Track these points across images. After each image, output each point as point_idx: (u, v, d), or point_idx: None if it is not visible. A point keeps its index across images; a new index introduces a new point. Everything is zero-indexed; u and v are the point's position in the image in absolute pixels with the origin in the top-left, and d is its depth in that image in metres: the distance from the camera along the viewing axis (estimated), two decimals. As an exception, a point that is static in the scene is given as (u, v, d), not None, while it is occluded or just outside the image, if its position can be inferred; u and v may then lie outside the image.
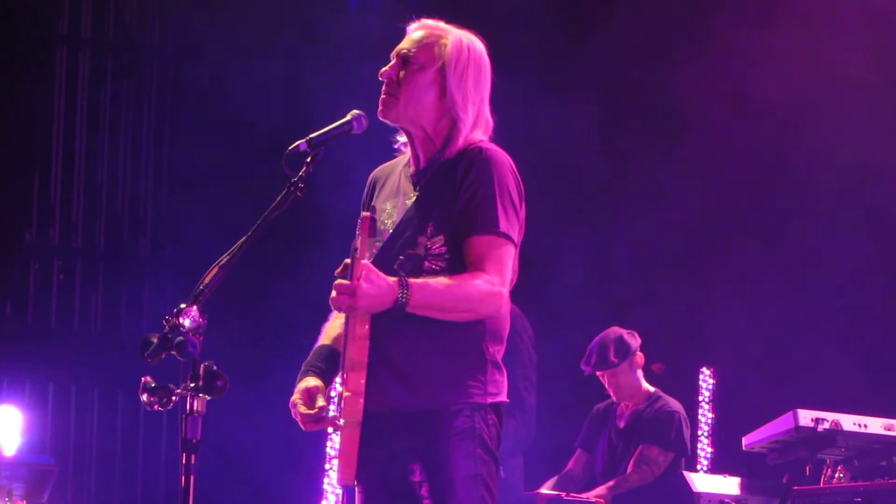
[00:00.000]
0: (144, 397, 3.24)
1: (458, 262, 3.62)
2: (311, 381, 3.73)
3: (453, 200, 3.67)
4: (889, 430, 5.92)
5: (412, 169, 3.81)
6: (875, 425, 5.93)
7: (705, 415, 7.96)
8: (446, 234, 3.66)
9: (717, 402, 7.99)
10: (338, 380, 3.74)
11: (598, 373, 6.83)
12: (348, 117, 3.73)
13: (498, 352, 3.72)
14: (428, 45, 3.77)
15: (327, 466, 8.19)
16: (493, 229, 3.62)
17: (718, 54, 7.80)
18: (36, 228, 9.07)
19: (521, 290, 3.82)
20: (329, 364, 3.79)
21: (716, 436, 7.90)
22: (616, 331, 6.85)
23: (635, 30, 8.08)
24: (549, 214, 7.27)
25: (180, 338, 3.21)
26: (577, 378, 7.39)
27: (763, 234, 7.94)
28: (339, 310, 3.57)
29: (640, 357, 6.85)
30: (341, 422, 3.57)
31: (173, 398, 3.24)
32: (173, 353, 3.22)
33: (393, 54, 3.80)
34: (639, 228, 8.16)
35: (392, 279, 3.51)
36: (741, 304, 7.89)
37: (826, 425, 5.86)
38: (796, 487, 5.81)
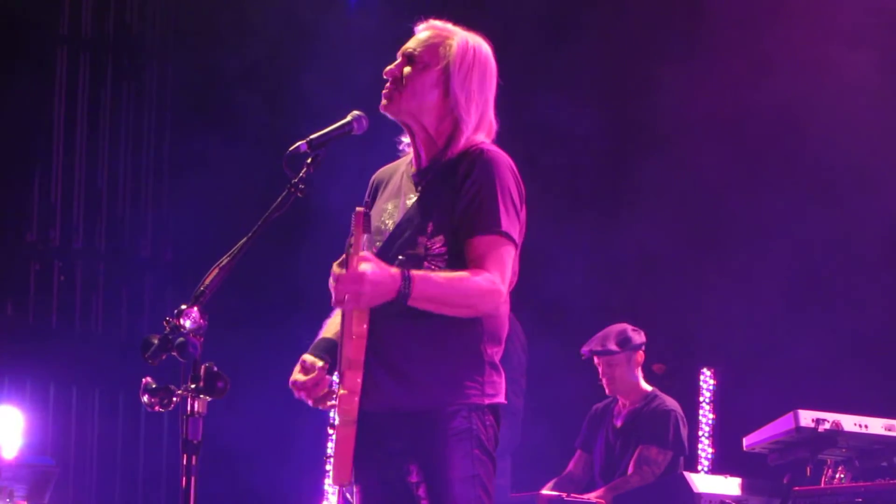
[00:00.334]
0: (145, 398, 3.24)
1: (458, 263, 3.63)
2: (308, 357, 3.74)
3: (454, 201, 3.67)
4: (890, 430, 5.92)
5: (414, 169, 3.82)
6: (876, 426, 5.93)
7: (706, 415, 7.95)
8: (446, 234, 3.66)
9: (718, 402, 7.98)
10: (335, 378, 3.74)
11: (595, 360, 6.85)
12: (348, 118, 3.74)
13: (496, 353, 3.72)
14: (433, 45, 3.78)
15: (328, 467, 8.20)
16: (494, 229, 3.63)
17: (718, 57, 7.81)
18: (36, 229, 9.07)
19: (521, 289, 3.82)
20: (331, 355, 3.79)
21: (716, 436, 7.89)
22: (622, 325, 6.89)
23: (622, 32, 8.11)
24: (549, 214, 7.27)
25: (181, 339, 3.21)
26: (577, 379, 7.40)
27: (764, 234, 7.94)
28: (342, 303, 3.56)
29: (640, 355, 6.86)
30: (337, 421, 3.57)
31: (174, 399, 3.24)
32: (174, 354, 3.22)
33: (399, 53, 3.81)
34: (639, 228, 8.16)
35: (394, 269, 3.52)
36: (742, 304, 7.88)
37: (827, 426, 5.86)
38: (797, 488, 5.81)
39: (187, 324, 3.23)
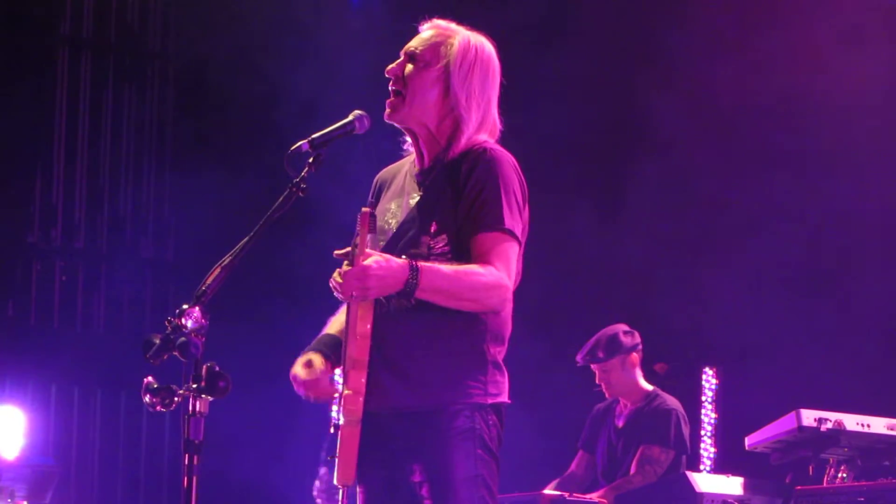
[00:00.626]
0: (147, 398, 3.24)
1: (461, 262, 3.63)
2: (313, 355, 3.74)
3: (457, 200, 3.67)
4: (892, 429, 5.92)
5: (417, 168, 3.82)
6: (878, 425, 5.92)
7: (708, 415, 7.95)
8: (449, 233, 3.66)
9: (720, 401, 7.98)
10: (339, 378, 3.74)
11: (591, 366, 6.87)
12: (350, 118, 3.74)
13: (499, 353, 3.72)
14: (435, 44, 3.78)
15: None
16: (498, 226, 3.63)
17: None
18: (38, 230, 9.08)
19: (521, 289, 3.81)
20: (333, 351, 3.79)
21: (719, 436, 7.89)
22: (615, 328, 6.87)
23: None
24: (548, 214, 7.26)
25: (182, 339, 3.21)
26: (577, 379, 7.39)
27: (766, 233, 7.93)
28: (348, 298, 3.56)
29: (635, 357, 6.85)
30: (341, 421, 3.57)
31: (175, 399, 3.24)
32: (175, 354, 3.22)
33: (401, 52, 3.81)
34: (641, 228, 8.16)
35: (402, 260, 3.52)
36: (744, 303, 7.88)
37: (829, 425, 5.85)
38: (799, 487, 5.80)
39: (189, 323, 3.23)
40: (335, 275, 3.58)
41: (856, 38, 7.31)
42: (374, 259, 3.50)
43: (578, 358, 6.89)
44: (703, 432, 7.88)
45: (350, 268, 3.52)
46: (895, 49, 7.29)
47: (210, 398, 3.24)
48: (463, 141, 3.73)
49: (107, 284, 9.24)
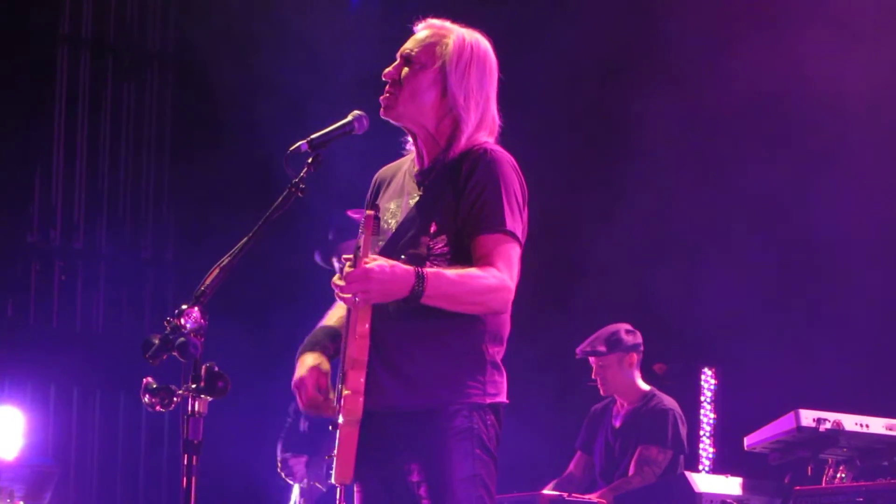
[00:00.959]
0: (146, 398, 3.24)
1: (460, 263, 3.63)
2: (323, 364, 3.74)
3: (457, 201, 3.67)
4: (891, 430, 5.92)
5: (416, 168, 3.82)
6: (877, 425, 5.92)
7: (707, 415, 7.95)
8: (449, 234, 3.66)
9: (719, 402, 7.98)
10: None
11: (589, 360, 6.87)
12: (349, 118, 3.74)
13: (497, 353, 3.72)
14: (430, 45, 3.78)
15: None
16: (499, 228, 3.64)
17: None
18: (37, 230, 9.07)
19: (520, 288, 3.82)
20: (334, 343, 3.79)
21: (717, 436, 7.89)
22: (618, 325, 6.89)
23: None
24: (548, 213, 7.26)
25: (182, 339, 3.21)
26: (576, 379, 7.40)
27: (765, 233, 7.94)
28: (351, 300, 3.56)
29: (634, 356, 6.86)
30: (340, 421, 3.58)
31: (175, 399, 3.24)
32: (175, 354, 3.22)
33: (397, 54, 3.81)
34: (639, 227, 8.16)
35: (408, 267, 3.52)
36: (743, 303, 7.88)
37: (828, 425, 5.85)
38: (798, 488, 5.80)
39: (188, 324, 3.23)
40: (336, 277, 3.58)
41: (854, 36, 7.31)
42: (378, 263, 3.50)
43: (578, 351, 6.91)
44: (701, 432, 7.88)
45: (352, 270, 3.53)
46: (892, 47, 7.29)
47: (209, 398, 3.25)
48: (463, 141, 3.73)
49: (106, 285, 9.24)
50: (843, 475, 5.97)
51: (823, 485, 5.95)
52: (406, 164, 3.89)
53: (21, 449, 7.52)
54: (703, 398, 7.99)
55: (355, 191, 4.10)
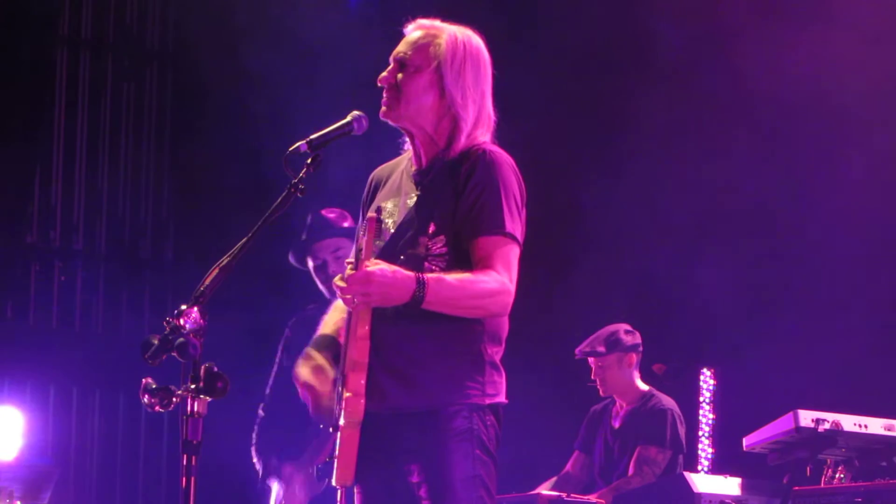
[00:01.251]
0: (145, 399, 3.24)
1: (459, 264, 3.63)
2: (325, 363, 3.74)
3: (456, 201, 3.68)
4: (890, 430, 5.92)
5: (414, 168, 3.82)
6: (875, 426, 5.92)
7: (706, 415, 7.95)
8: (448, 235, 3.66)
9: (718, 402, 7.98)
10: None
11: (589, 360, 6.88)
12: (348, 118, 3.74)
13: (496, 353, 3.72)
14: (423, 47, 3.77)
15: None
16: (499, 230, 3.64)
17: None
18: (37, 230, 9.07)
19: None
20: (330, 351, 3.79)
21: (716, 436, 7.89)
22: (617, 326, 6.90)
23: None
24: (546, 212, 7.27)
25: (181, 339, 3.21)
26: (574, 379, 7.40)
27: (763, 233, 7.94)
28: (352, 303, 3.57)
29: (633, 357, 6.86)
30: (342, 422, 3.58)
31: (174, 399, 3.24)
32: (174, 354, 3.22)
33: (391, 58, 3.81)
34: (637, 227, 8.16)
35: (409, 272, 3.52)
36: (741, 304, 7.88)
37: (826, 426, 5.85)
38: (797, 488, 5.80)
39: (187, 324, 3.23)
40: (337, 279, 3.59)
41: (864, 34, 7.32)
42: (380, 267, 3.51)
43: (577, 351, 6.92)
44: (700, 433, 7.88)
45: (354, 272, 3.53)
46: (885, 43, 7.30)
47: (208, 399, 3.25)
48: (462, 140, 3.73)
49: (105, 285, 9.24)
50: (842, 475, 5.97)
51: (822, 485, 5.95)
52: (403, 164, 3.89)
53: (20, 449, 7.51)
54: (701, 398, 8.00)
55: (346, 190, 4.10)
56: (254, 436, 6.09)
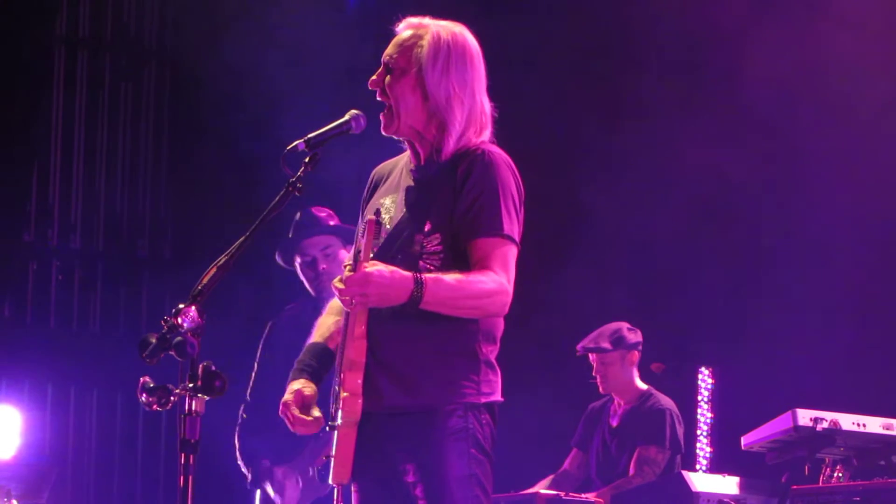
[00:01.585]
0: (143, 397, 3.24)
1: (454, 263, 3.63)
2: (307, 388, 3.73)
3: (453, 201, 3.67)
4: (888, 429, 5.92)
5: (412, 166, 3.82)
6: (874, 425, 5.92)
7: (704, 414, 7.95)
8: (443, 233, 3.66)
9: (716, 401, 7.98)
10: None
11: (590, 357, 6.87)
12: (346, 117, 3.74)
13: (491, 352, 3.73)
14: (407, 49, 3.75)
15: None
16: (497, 231, 3.64)
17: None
18: (34, 229, 9.06)
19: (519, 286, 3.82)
20: (321, 363, 3.80)
21: (715, 435, 7.89)
22: (619, 323, 6.91)
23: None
24: (548, 211, 7.27)
25: (179, 338, 3.21)
26: (572, 377, 7.40)
27: (761, 233, 7.94)
28: (350, 304, 3.57)
29: (635, 355, 6.87)
30: (339, 421, 3.58)
31: (172, 398, 3.24)
32: (172, 353, 3.22)
33: (382, 60, 3.80)
34: (635, 227, 8.16)
35: (407, 273, 3.52)
36: (740, 303, 7.88)
37: (825, 425, 5.85)
38: (795, 487, 5.80)
39: (185, 323, 3.23)
40: (336, 280, 3.59)
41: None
42: (378, 268, 3.51)
43: (579, 347, 6.91)
44: (699, 432, 7.88)
45: (352, 273, 3.53)
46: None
47: (206, 397, 3.25)
48: (452, 142, 3.71)
49: (103, 284, 9.23)
50: (840, 474, 5.97)
51: (820, 484, 5.95)
52: (403, 161, 3.89)
53: (18, 448, 7.51)
54: (700, 397, 7.99)
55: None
56: (237, 440, 6.05)
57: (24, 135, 8.91)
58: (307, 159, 3.61)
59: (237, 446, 6.05)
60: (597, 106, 8.26)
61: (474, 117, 3.75)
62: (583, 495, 6.44)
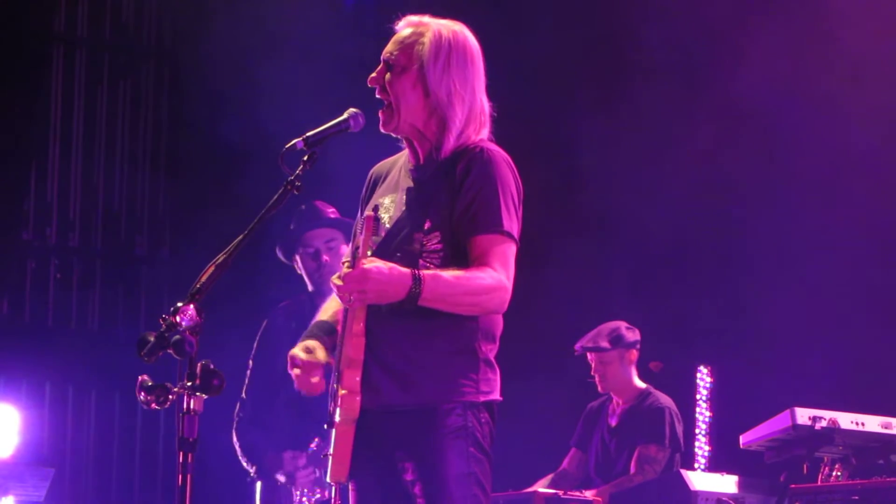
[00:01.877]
0: (141, 396, 3.24)
1: (454, 261, 3.64)
2: (313, 343, 3.73)
3: (452, 199, 3.68)
4: (887, 428, 5.92)
5: (411, 165, 3.82)
6: (873, 423, 5.92)
7: (703, 413, 7.95)
8: (443, 232, 3.66)
9: (715, 400, 7.99)
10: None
11: (588, 357, 6.87)
12: (345, 115, 3.74)
13: (491, 350, 3.73)
14: (408, 46, 3.75)
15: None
16: (496, 228, 3.64)
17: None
18: (33, 227, 9.06)
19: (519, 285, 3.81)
20: (329, 335, 3.79)
21: (713, 434, 7.90)
22: (616, 322, 6.91)
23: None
24: (545, 210, 7.26)
25: (177, 336, 3.21)
26: (571, 377, 7.40)
27: (759, 232, 7.94)
28: (348, 301, 3.57)
29: (633, 353, 6.87)
30: (337, 419, 3.58)
31: (170, 397, 3.24)
32: (170, 351, 3.22)
33: (381, 57, 3.80)
34: (634, 226, 8.16)
35: (405, 269, 3.52)
36: (738, 301, 7.88)
37: (823, 423, 5.85)
38: (794, 486, 5.80)
39: (184, 321, 3.23)
40: (334, 277, 3.59)
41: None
42: (376, 265, 3.51)
43: (577, 346, 6.91)
44: (697, 430, 7.88)
45: (350, 270, 3.53)
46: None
47: (204, 396, 3.25)
48: (452, 140, 3.72)
49: (101, 282, 9.23)
50: (839, 473, 5.97)
51: (819, 483, 5.95)
52: (401, 160, 3.89)
53: (16, 447, 7.50)
54: (698, 396, 8.00)
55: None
56: (235, 439, 6.03)
57: (22, 133, 8.91)
58: (306, 158, 3.61)
59: (236, 443, 6.03)
60: (596, 106, 8.27)
61: (474, 115, 3.75)
62: (584, 492, 6.45)
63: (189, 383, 3.23)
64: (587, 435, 7.02)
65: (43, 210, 9.09)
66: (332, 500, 3.71)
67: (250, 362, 6.03)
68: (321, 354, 3.72)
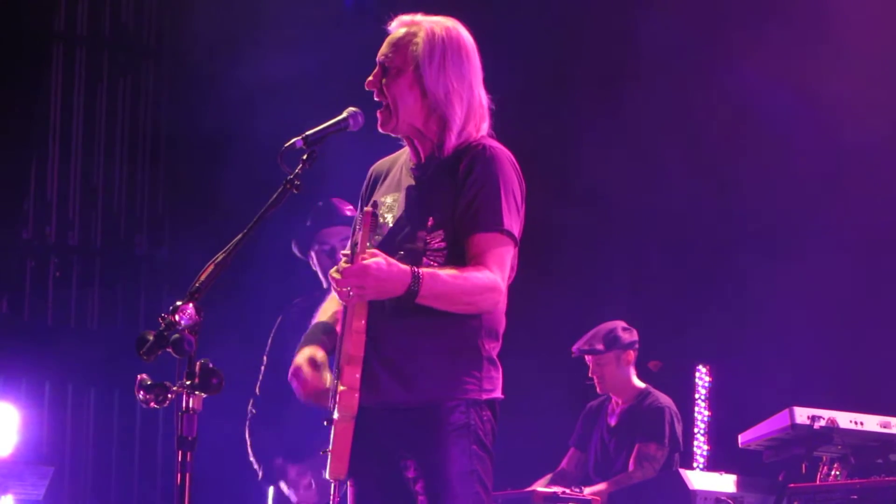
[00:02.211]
0: (141, 395, 3.24)
1: (457, 259, 3.63)
2: (318, 353, 3.73)
3: (455, 197, 3.67)
4: (885, 427, 5.92)
5: (412, 163, 3.81)
6: (871, 423, 5.93)
7: (701, 412, 7.96)
8: (446, 230, 3.66)
9: (713, 399, 7.99)
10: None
11: (585, 358, 6.88)
12: (344, 114, 3.74)
13: (493, 348, 3.73)
14: (402, 47, 3.74)
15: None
16: (496, 227, 3.64)
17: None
18: (32, 226, 9.06)
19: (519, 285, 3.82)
20: (329, 337, 3.79)
21: (712, 433, 7.90)
22: (613, 323, 6.91)
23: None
24: (543, 210, 7.26)
25: (176, 335, 3.21)
26: (570, 377, 7.40)
27: (758, 232, 7.94)
28: (346, 297, 3.56)
29: (631, 354, 6.87)
30: (336, 416, 3.58)
31: (169, 396, 3.24)
32: (169, 350, 3.22)
33: (377, 60, 3.79)
34: (634, 225, 8.16)
35: (405, 267, 3.52)
36: (737, 300, 7.88)
37: (822, 423, 5.86)
38: (792, 485, 5.81)
39: (183, 320, 3.23)
40: (333, 271, 3.59)
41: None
42: (375, 260, 3.50)
43: (574, 349, 6.91)
44: (696, 430, 7.88)
45: (349, 265, 3.53)
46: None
47: (204, 395, 3.25)
48: (453, 138, 3.72)
49: (101, 281, 9.23)
50: (838, 473, 5.98)
51: (818, 482, 5.96)
52: (402, 158, 3.88)
53: (15, 446, 7.50)
54: (697, 395, 8.00)
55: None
56: (248, 436, 6.04)
57: (22, 132, 8.90)
58: (305, 157, 3.61)
59: (248, 441, 6.03)
60: (596, 106, 8.27)
61: (473, 110, 3.75)
62: (583, 488, 6.45)
63: (188, 382, 3.23)
64: (586, 435, 7.02)
65: (42, 209, 9.08)
66: (332, 498, 3.71)
67: (265, 358, 6.03)
68: (327, 378, 3.71)
